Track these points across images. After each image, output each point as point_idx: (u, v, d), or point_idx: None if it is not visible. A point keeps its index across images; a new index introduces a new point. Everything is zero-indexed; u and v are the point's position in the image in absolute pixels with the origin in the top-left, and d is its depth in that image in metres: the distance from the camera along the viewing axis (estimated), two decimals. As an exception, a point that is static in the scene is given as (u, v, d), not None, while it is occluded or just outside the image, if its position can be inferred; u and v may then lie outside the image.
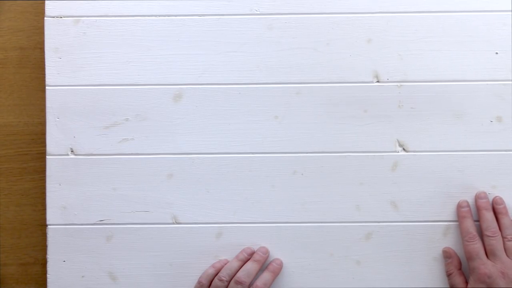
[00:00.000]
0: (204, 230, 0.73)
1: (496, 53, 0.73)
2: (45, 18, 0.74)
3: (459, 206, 0.71)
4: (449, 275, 0.70)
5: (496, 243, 0.68)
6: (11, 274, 0.77)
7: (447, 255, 0.71)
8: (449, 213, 0.72)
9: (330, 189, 0.73)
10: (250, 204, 0.73)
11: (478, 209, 0.71)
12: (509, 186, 0.73)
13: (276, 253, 0.73)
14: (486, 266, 0.67)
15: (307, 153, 0.73)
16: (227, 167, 0.73)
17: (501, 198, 0.71)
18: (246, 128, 0.73)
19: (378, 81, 0.73)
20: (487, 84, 0.73)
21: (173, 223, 0.73)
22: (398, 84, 0.73)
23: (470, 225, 0.70)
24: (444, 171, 0.72)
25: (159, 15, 0.74)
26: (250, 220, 0.73)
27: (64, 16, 0.74)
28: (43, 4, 0.74)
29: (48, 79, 0.74)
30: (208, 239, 0.73)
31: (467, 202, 0.71)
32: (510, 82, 0.73)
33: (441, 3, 0.74)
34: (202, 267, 0.73)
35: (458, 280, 0.69)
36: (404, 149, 0.73)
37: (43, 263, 0.75)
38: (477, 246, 0.68)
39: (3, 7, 0.78)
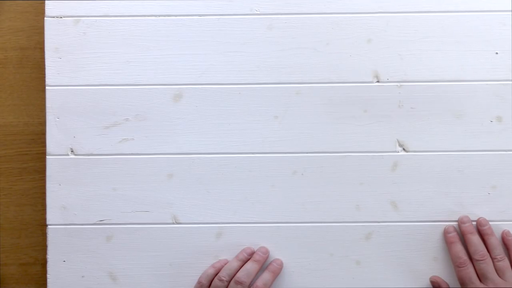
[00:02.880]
0: (204, 230, 0.73)
1: (496, 53, 0.73)
2: (45, 18, 0.74)
3: (445, 232, 0.71)
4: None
5: (486, 266, 0.68)
6: (11, 274, 0.77)
7: (435, 284, 0.71)
8: (449, 213, 0.72)
9: (330, 189, 0.73)
10: (250, 204, 0.73)
11: (463, 234, 0.70)
12: (509, 186, 0.73)
13: (276, 253, 0.73)
14: None
15: (307, 153, 0.73)
16: (227, 167, 0.73)
17: (484, 219, 0.71)
18: (246, 128, 0.73)
19: (378, 81, 0.73)
20: (487, 84, 0.73)
21: (173, 223, 0.73)
22: (398, 84, 0.73)
23: (459, 249, 0.70)
24: (444, 171, 0.72)
25: (159, 15, 0.74)
26: (250, 220, 0.73)
27: (64, 16, 0.74)
28: (43, 4, 0.74)
29: (48, 79, 0.74)
30: (208, 239, 0.73)
31: (453, 227, 0.71)
32: (510, 82, 0.73)
33: (441, 3, 0.74)
34: (202, 267, 0.73)
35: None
36: (404, 149, 0.73)
37: (43, 263, 0.75)
38: (468, 271, 0.68)
39: (3, 7, 0.78)
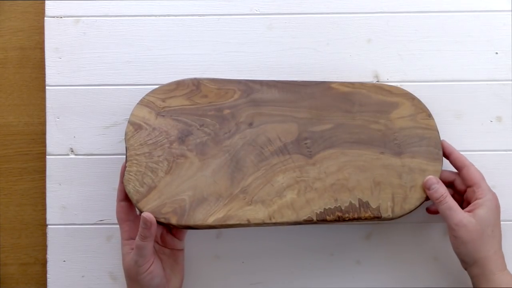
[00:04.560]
0: (204, 230, 0.73)
1: (496, 53, 0.74)
2: (45, 18, 0.74)
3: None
4: (440, 201, 0.67)
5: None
6: (11, 274, 0.77)
7: (432, 181, 0.67)
8: (449, 213, 0.72)
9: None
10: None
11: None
12: (509, 186, 0.73)
13: (276, 253, 0.73)
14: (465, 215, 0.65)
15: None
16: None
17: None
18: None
19: (378, 81, 0.73)
20: (487, 84, 0.73)
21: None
22: (398, 84, 0.73)
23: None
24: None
25: (159, 15, 0.74)
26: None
27: (64, 16, 0.74)
28: (43, 4, 0.74)
29: (48, 79, 0.74)
30: (208, 239, 0.73)
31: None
32: (510, 82, 0.73)
33: (441, 3, 0.74)
34: (202, 267, 0.73)
35: (453, 202, 0.66)
36: (404, 149, 0.73)
37: (43, 263, 0.75)
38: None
39: (3, 7, 0.78)
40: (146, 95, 0.69)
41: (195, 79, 0.70)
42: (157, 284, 0.65)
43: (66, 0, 0.74)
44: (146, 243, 0.64)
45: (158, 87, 0.70)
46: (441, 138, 0.70)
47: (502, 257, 0.66)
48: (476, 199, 0.66)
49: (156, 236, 0.69)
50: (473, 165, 0.68)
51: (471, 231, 0.64)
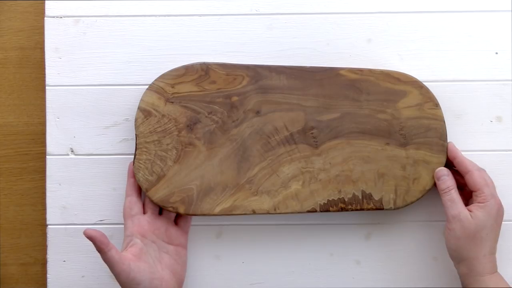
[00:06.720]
0: (204, 230, 0.73)
1: (496, 53, 0.73)
2: (45, 18, 0.74)
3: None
4: (445, 192, 0.68)
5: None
6: (11, 274, 0.77)
7: (443, 172, 0.69)
8: (449, 213, 0.72)
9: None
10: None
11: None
12: (509, 186, 0.73)
13: (276, 253, 0.73)
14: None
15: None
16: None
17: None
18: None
19: (378, 81, 0.73)
20: (487, 84, 0.73)
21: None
22: (398, 84, 0.73)
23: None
24: (444, 171, 0.72)
25: (159, 15, 0.74)
26: (250, 220, 0.73)
27: (64, 16, 0.74)
28: (43, 4, 0.74)
29: (48, 79, 0.74)
30: (208, 239, 0.73)
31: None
32: (510, 82, 0.73)
33: (441, 3, 0.74)
34: (202, 267, 0.73)
35: (457, 195, 0.68)
36: (404, 149, 0.73)
37: (43, 263, 0.75)
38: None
39: (3, 7, 0.78)
40: (155, 80, 0.70)
41: (204, 63, 0.70)
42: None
43: (66, 0, 0.74)
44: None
45: (166, 72, 0.70)
46: (448, 140, 0.70)
47: (492, 261, 0.67)
48: (478, 203, 0.67)
49: (161, 233, 0.69)
50: (477, 170, 0.68)
51: (465, 228, 0.66)
